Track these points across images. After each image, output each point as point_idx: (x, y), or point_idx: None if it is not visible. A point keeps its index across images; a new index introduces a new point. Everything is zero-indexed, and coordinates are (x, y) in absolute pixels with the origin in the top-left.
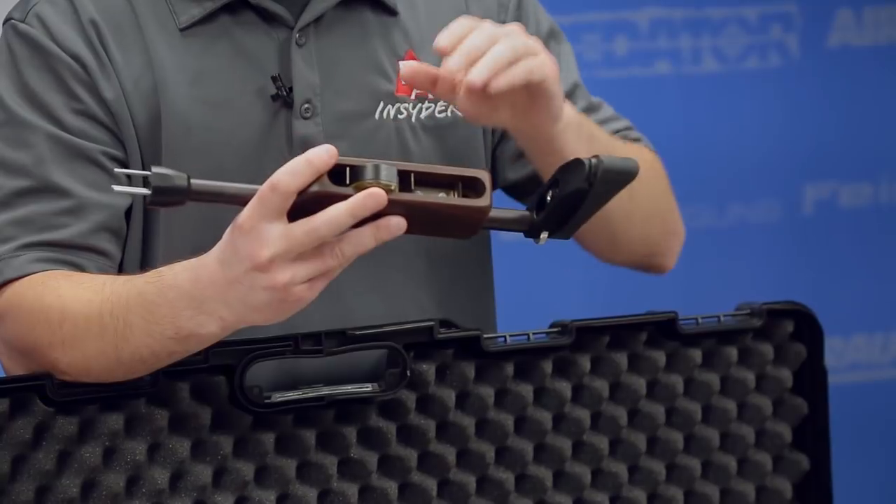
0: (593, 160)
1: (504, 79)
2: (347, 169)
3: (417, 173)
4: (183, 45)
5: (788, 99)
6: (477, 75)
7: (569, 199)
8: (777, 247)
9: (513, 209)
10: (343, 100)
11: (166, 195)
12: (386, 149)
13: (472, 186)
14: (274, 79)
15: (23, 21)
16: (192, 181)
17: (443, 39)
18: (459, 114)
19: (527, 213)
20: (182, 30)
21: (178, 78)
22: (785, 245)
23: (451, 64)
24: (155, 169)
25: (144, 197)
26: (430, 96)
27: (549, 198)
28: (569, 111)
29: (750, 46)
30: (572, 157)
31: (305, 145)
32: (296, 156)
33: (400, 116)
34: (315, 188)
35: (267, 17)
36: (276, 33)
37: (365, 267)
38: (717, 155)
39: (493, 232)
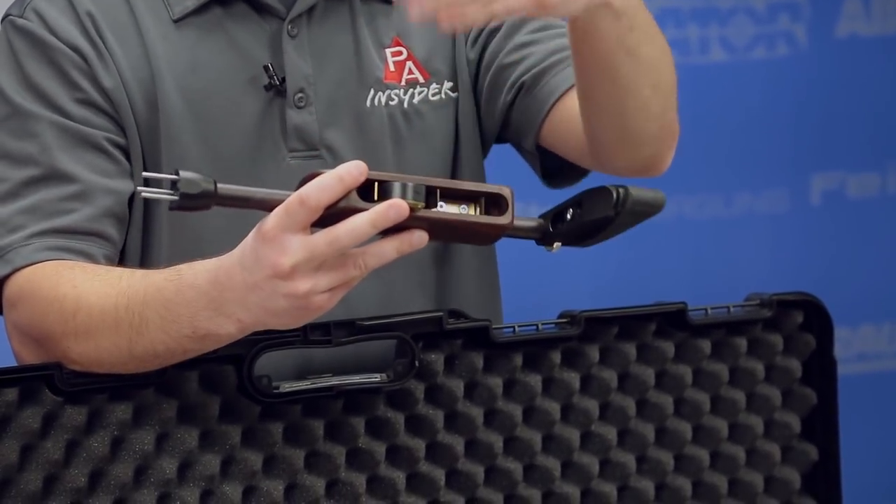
0: (621, 190)
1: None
2: (376, 184)
3: (443, 189)
4: (177, 35)
5: (796, 89)
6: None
7: (591, 223)
8: (784, 237)
9: (529, 217)
10: (335, 88)
11: (193, 200)
12: (379, 136)
13: (494, 201)
14: (266, 69)
15: (21, 16)
16: (219, 186)
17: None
18: (453, 95)
19: (542, 222)
20: (175, 21)
21: (173, 68)
22: (792, 235)
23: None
24: (183, 174)
25: (170, 201)
26: (421, 81)
27: (569, 216)
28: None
29: (758, 36)
30: (597, 40)
31: (299, 134)
32: (290, 144)
33: (391, 103)
34: (343, 203)
35: (259, 8)
36: (268, 24)
37: None
38: (725, 145)
39: None
